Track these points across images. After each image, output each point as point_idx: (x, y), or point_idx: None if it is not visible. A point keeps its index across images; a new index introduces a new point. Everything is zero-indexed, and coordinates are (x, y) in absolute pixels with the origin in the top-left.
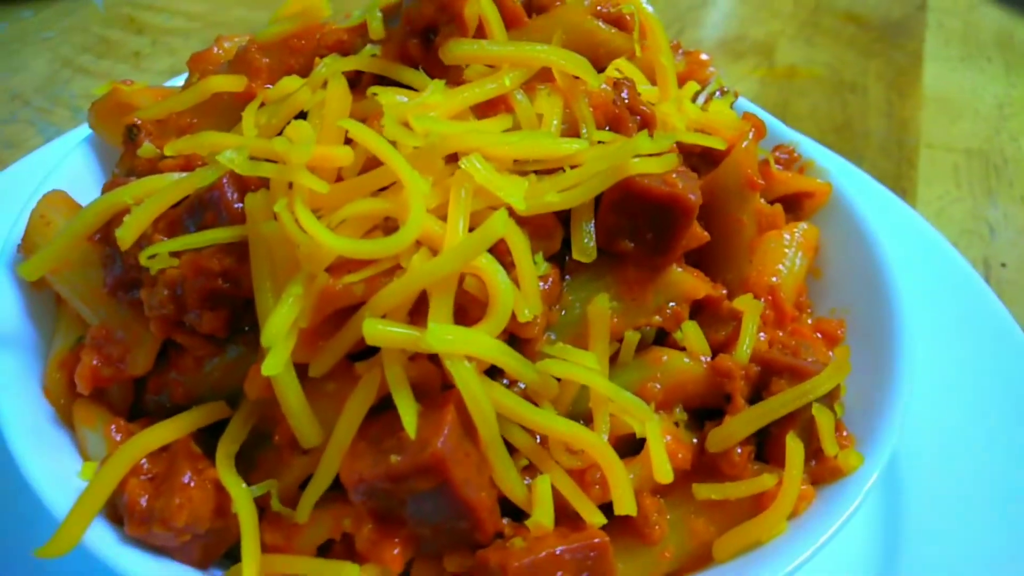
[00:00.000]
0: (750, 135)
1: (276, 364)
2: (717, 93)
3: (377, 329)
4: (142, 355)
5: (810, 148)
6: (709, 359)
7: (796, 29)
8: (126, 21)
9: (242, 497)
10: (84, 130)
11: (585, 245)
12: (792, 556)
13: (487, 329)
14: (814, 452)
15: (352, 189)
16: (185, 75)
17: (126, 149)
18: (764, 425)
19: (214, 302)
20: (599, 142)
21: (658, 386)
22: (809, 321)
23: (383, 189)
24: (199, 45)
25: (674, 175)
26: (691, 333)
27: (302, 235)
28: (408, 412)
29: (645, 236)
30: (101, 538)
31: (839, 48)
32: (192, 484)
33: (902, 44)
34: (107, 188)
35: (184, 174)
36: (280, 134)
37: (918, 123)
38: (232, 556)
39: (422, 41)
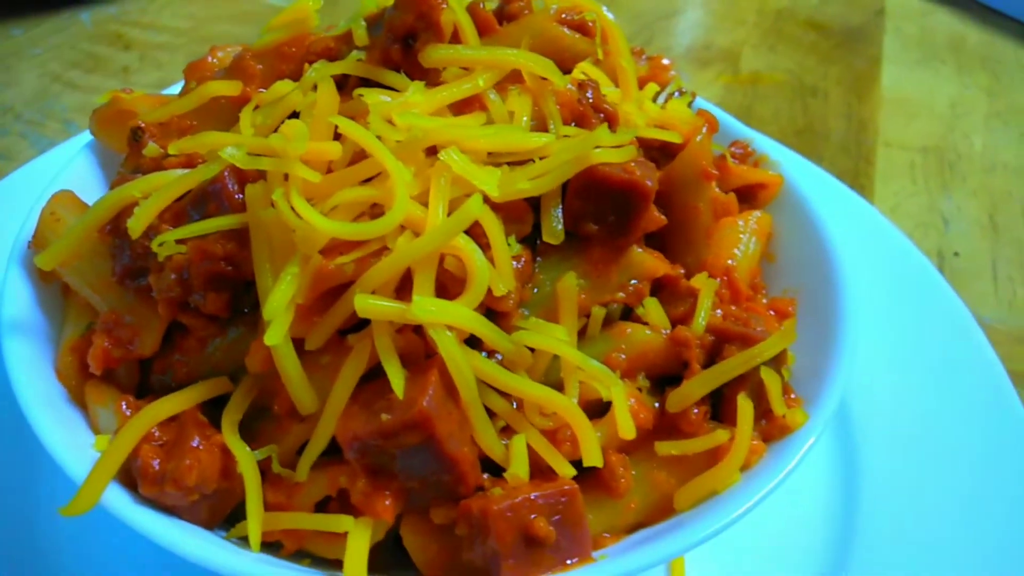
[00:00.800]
0: (703, 130)
1: (277, 335)
2: (676, 93)
3: (368, 303)
4: (149, 337)
5: (764, 144)
6: (668, 331)
7: (760, 37)
8: (113, 37)
9: (246, 459)
10: (75, 142)
11: (554, 228)
12: (744, 501)
13: (466, 302)
14: (764, 412)
15: (341, 179)
16: (177, 85)
17: (131, 149)
18: (718, 387)
19: (217, 284)
20: (565, 136)
21: (623, 356)
22: (764, 300)
23: (369, 180)
24: (186, 59)
25: (632, 164)
26: (652, 308)
27: (298, 220)
28: (396, 376)
29: (608, 219)
30: (117, 498)
31: (801, 54)
32: (200, 447)
33: (861, 49)
34: (115, 185)
35: (186, 170)
36: (275, 132)
37: (876, 123)
38: (233, 520)
39: (403, 47)
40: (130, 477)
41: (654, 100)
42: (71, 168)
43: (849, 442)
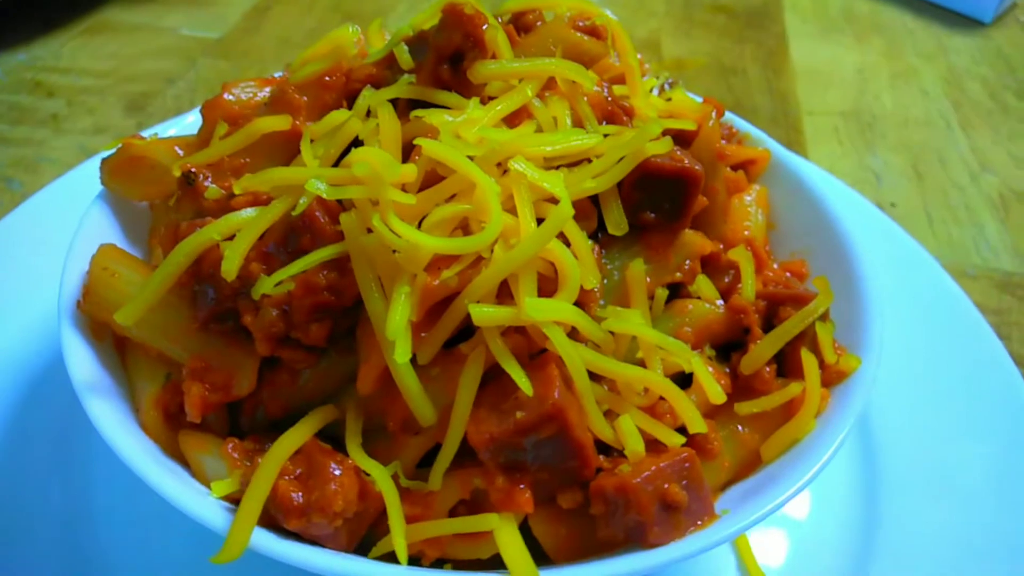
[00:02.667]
0: (713, 115)
1: (404, 353)
2: (666, 85)
3: (483, 312)
4: (245, 377)
5: (742, 123)
6: (723, 303)
7: (674, 25)
8: (33, 86)
9: (383, 477)
10: (31, 204)
11: (618, 221)
12: (827, 445)
13: (565, 299)
14: (819, 362)
15: (430, 198)
16: (164, 121)
17: (183, 193)
18: (783, 345)
19: (319, 315)
20: (606, 135)
21: (689, 330)
22: (775, 265)
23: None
24: (118, 101)
25: (678, 152)
26: (703, 284)
27: (400, 241)
28: (520, 376)
29: (663, 207)
30: (263, 537)
31: (715, 37)
32: (339, 472)
33: (767, 27)
34: (181, 234)
35: (254, 209)
36: (338, 162)
37: (796, 95)
38: (363, 545)
39: (451, 66)
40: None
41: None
42: (89, 221)
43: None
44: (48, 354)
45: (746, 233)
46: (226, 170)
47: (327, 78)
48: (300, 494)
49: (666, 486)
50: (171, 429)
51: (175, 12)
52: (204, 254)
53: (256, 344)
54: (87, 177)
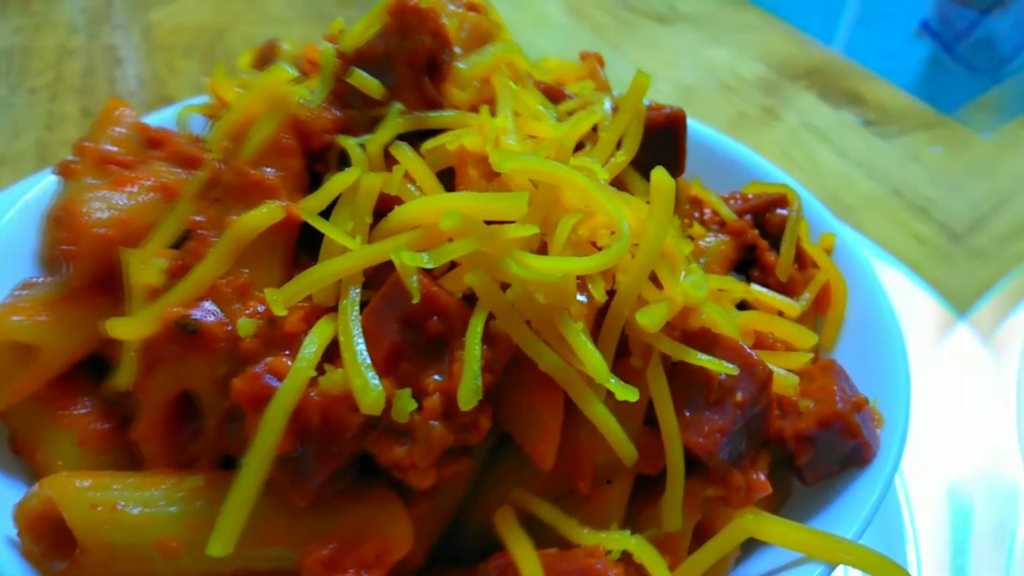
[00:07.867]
0: (600, 67)
1: (628, 391)
2: None
3: (649, 316)
4: (402, 531)
5: None
6: (716, 232)
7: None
8: None
9: (643, 545)
10: None
11: (643, 188)
12: (876, 302)
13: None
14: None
15: (533, 219)
16: None
17: (183, 351)
18: (795, 241)
19: (484, 403)
20: (569, 113)
21: (715, 266)
22: None
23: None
24: None
25: (653, 103)
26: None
27: (551, 278)
28: (709, 361)
29: (665, 159)
30: None
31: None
32: (609, 569)
33: None
34: (243, 392)
35: (320, 323)
36: (373, 225)
37: None
38: None
39: (430, 77)
40: None
41: None
42: None
43: None
44: None
45: None
46: (228, 296)
47: (283, 140)
48: None
49: (852, 400)
50: None
51: None
52: (302, 406)
53: (412, 479)
54: None
